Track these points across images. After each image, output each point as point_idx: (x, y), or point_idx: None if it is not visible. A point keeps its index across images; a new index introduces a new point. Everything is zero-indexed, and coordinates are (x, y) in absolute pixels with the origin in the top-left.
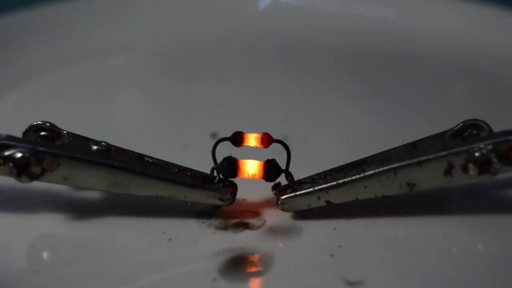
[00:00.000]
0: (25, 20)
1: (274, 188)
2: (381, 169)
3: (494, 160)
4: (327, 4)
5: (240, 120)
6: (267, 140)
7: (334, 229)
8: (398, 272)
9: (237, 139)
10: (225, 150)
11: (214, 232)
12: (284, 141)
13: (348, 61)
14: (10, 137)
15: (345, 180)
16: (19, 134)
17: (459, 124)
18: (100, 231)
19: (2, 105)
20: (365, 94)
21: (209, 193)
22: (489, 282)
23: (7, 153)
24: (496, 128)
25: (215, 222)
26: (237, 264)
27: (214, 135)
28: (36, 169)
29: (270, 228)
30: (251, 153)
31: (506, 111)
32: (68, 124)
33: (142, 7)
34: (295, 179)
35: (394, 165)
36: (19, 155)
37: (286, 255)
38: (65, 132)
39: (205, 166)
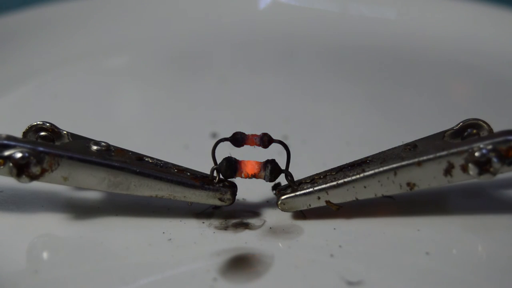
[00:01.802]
0: (25, 20)
1: (274, 188)
2: (381, 169)
3: (494, 160)
4: (327, 4)
5: (240, 120)
6: (267, 140)
7: (334, 229)
8: (398, 272)
9: (237, 139)
10: (225, 150)
11: (214, 232)
12: (284, 141)
13: (348, 61)
14: (10, 137)
15: (345, 180)
16: (19, 134)
17: (459, 123)
18: (100, 231)
19: (2, 105)
20: (365, 94)
21: (209, 194)
22: (489, 282)
23: (7, 153)
24: (496, 128)
25: (215, 222)
26: (237, 264)
27: (214, 135)
28: (36, 169)
29: (270, 228)
30: (251, 153)
31: (506, 111)
32: (68, 124)
33: (142, 7)
34: (295, 179)
35: (394, 165)
36: (19, 155)
37: (286, 255)
38: (65, 132)
39: (205, 166)
